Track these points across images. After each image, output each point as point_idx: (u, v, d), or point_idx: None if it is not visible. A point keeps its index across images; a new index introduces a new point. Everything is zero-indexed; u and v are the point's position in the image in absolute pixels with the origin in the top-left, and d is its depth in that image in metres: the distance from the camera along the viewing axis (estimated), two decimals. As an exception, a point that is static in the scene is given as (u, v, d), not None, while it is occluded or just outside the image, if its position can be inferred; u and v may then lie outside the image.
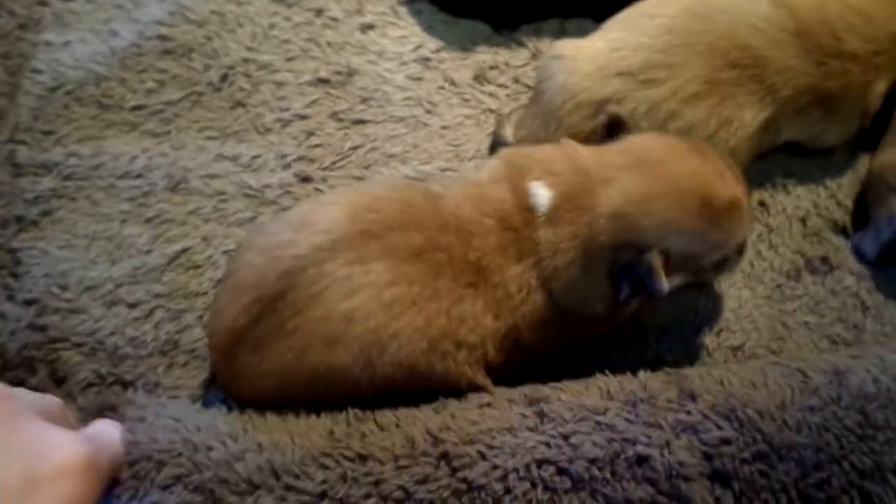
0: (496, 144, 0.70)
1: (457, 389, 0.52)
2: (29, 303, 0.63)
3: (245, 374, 0.51)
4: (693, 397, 0.48)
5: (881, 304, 0.67)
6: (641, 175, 0.53)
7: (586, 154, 0.55)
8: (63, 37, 0.76)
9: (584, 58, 0.63)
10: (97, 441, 0.42)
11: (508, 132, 0.68)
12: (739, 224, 0.55)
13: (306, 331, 0.49)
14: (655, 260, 0.51)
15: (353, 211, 0.52)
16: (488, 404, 0.48)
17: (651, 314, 0.64)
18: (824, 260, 0.70)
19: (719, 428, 0.46)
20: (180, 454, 0.45)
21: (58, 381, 0.61)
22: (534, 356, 0.56)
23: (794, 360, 0.54)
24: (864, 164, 0.75)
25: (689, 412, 0.47)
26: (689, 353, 0.64)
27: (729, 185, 0.54)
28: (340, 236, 0.50)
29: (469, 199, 0.54)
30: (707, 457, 0.45)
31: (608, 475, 0.43)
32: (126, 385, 0.61)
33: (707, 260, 0.55)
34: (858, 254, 0.69)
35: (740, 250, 0.59)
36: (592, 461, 0.44)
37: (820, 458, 0.45)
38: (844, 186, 0.73)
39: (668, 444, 0.45)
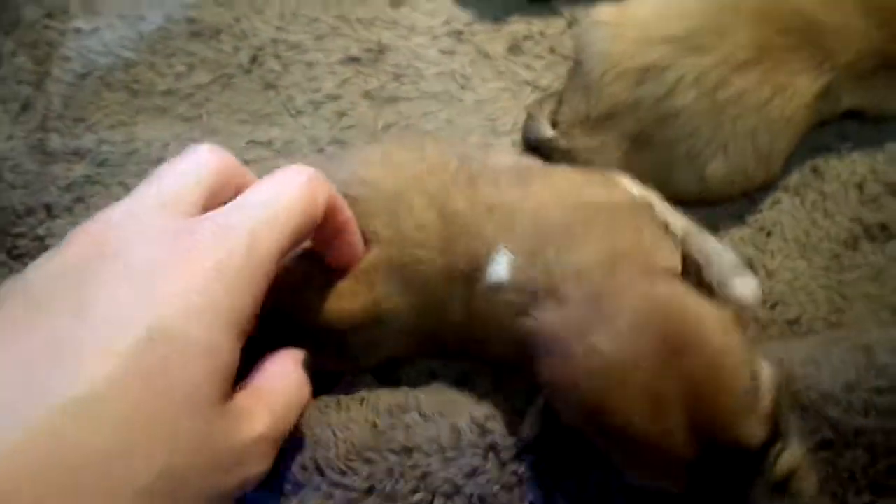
0: (533, 142, 0.65)
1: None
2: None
3: None
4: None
5: (946, 271, 0.62)
6: (582, 320, 0.38)
7: None
8: (92, 23, 0.73)
9: (627, 23, 0.59)
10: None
11: (545, 127, 0.63)
12: (632, 463, 0.37)
13: None
14: (538, 411, 0.41)
15: None
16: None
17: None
18: (883, 227, 0.65)
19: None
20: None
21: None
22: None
23: (856, 334, 0.50)
24: (924, 124, 0.70)
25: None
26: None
27: (652, 419, 0.35)
28: None
29: None
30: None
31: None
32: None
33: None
34: None
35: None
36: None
37: (890, 443, 0.41)
38: (904, 149, 0.68)
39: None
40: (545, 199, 0.46)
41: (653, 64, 0.57)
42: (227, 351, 0.31)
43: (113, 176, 0.67)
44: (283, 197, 0.37)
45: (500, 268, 0.42)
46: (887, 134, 0.69)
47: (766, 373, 0.37)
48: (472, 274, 0.44)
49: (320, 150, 0.68)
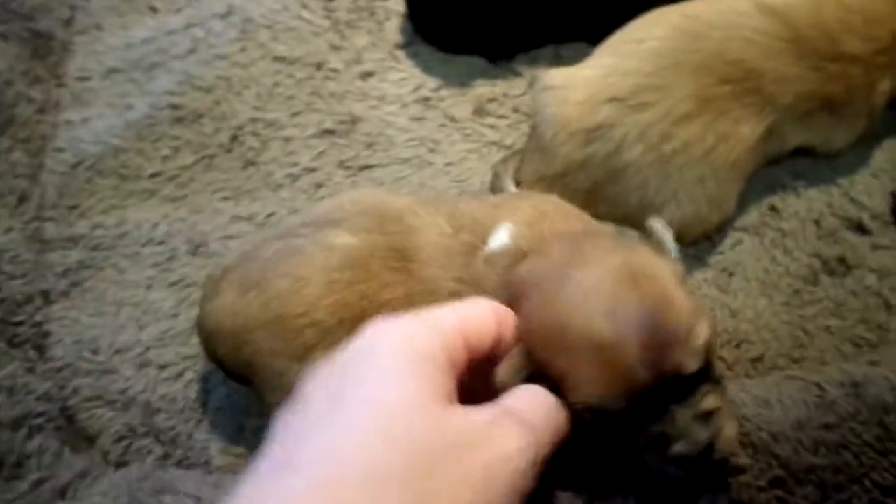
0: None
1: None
2: (60, 368, 0.65)
3: None
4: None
5: (906, 300, 0.64)
6: (559, 259, 0.45)
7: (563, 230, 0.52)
8: (82, 114, 0.77)
9: (574, 86, 0.62)
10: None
11: (509, 185, 0.66)
12: (587, 372, 0.40)
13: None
14: (512, 358, 0.43)
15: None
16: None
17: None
18: (842, 260, 0.66)
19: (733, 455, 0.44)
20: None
21: (90, 439, 0.62)
22: None
23: (810, 372, 0.51)
24: (876, 158, 0.72)
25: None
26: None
27: (610, 325, 0.40)
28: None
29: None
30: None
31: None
32: (158, 435, 0.62)
33: (566, 392, 0.41)
34: None
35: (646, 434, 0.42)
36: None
37: (839, 479, 0.42)
38: (857, 183, 0.70)
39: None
40: (542, 200, 0.56)
41: (599, 123, 0.59)
42: (438, 360, 0.35)
43: (106, 259, 0.70)
44: (468, 304, 0.41)
45: (503, 235, 0.50)
46: (840, 169, 0.71)
47: (704, 324, 0.42)
48: (475, 244, 0.52)
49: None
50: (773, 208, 0.69)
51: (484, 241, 0.52)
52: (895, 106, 0.69)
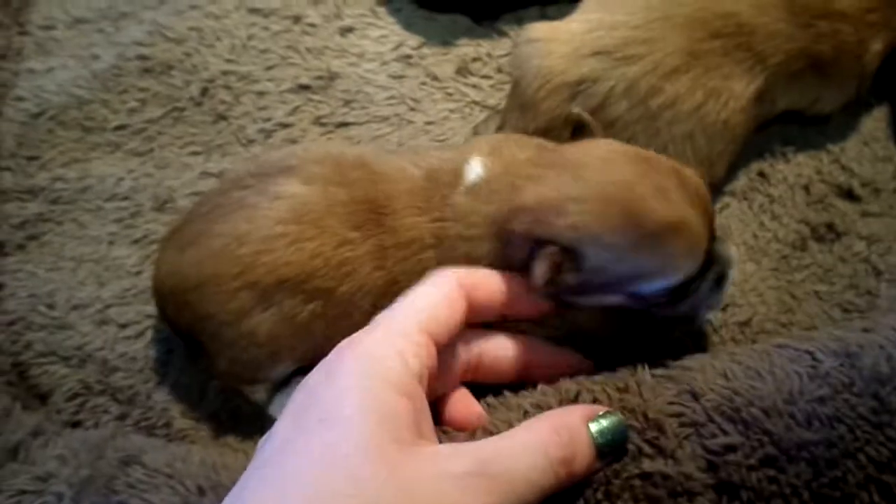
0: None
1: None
2: (13, 322, 0.59)
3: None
4: (695, 396, 0.41)
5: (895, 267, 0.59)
6: (566, 176, 0.45)
7: (538, 149, 0.49)
8: (45, 64, 0.71)
9: (558, 39, 0.56)
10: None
11: None
12: (680, 250, 0.43)
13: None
14: (550, 254, 0.43)
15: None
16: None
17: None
18: (830, 227, 0.62)
19: (724, 433, 0.39)
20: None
21: (42, 398, 0.56)
22: None
23: (802, 339, 0.46)
24: (866, 125, 0.66)
25: (693, 410, 0.40)
26: (694, 332, 0.57)
27: (670, 204, 0.43)
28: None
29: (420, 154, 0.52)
30: (712, 466, 0.38)
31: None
32: (115, 394, 0.57)
33: (640, 286, 0.44)
34: None
35: (707, 281, 0.47)
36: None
37: (833, 454, 0.38)
38: (848, 149, 0.65)
39: (672, 454, 0.38)
40: (492, 137, 0.57)
41: (583, 77, 0.54)
42: (403, 384, 0.33)
43: (66, 213, 0.64)
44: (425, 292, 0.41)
45: (476, 167, 0.49)
46: (830, 136, 0.65)
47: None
48: (449, 181, 0.49)
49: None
50: (761, 174, 0.64)
51: (457, 177, 0.48)
52: (886, 71, 0.63)
